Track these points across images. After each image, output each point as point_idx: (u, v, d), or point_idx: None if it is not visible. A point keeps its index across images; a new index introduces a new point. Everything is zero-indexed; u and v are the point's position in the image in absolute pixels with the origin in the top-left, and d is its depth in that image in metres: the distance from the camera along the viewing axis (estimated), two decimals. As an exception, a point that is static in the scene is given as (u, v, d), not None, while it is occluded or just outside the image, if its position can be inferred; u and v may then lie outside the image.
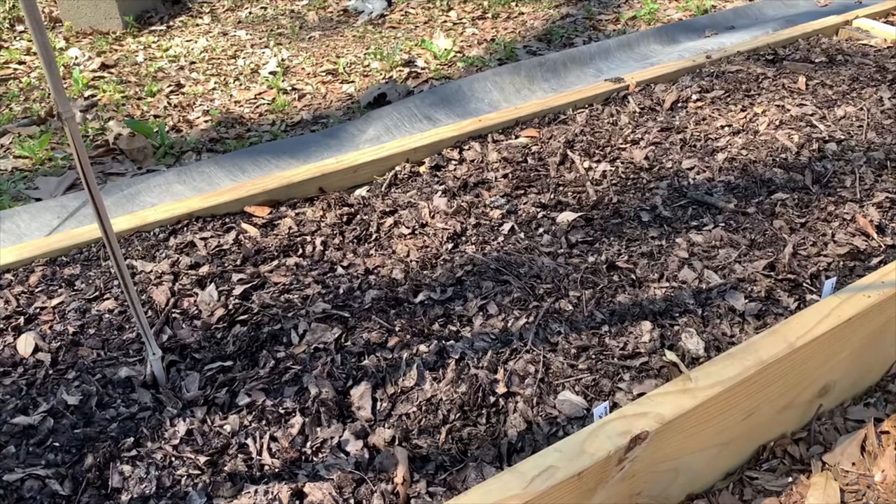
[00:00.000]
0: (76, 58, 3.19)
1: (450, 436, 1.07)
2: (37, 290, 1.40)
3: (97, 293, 1.38)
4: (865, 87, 2.12)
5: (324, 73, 3.01)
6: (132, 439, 1.06)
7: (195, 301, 1.35)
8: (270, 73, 3.00)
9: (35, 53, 3.17)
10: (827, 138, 1.85)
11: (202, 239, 1.53)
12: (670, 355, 1.17)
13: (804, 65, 2.28)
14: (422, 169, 1.82)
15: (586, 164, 1.79)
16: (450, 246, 1.50)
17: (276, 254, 1.49)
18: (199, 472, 1.01)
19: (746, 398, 1.09)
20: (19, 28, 3.52)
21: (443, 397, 1.12)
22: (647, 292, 1.34)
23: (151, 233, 1.56)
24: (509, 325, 1.26)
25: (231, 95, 2.83)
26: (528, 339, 1.23)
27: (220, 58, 3.21)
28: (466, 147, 1.90)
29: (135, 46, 3.34)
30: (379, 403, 1.13)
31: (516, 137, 1.95)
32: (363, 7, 3.71)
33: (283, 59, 3.14)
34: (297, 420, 1.08)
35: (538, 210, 1.61)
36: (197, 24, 3.64)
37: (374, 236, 1.56)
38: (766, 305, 1.31)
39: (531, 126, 2.00)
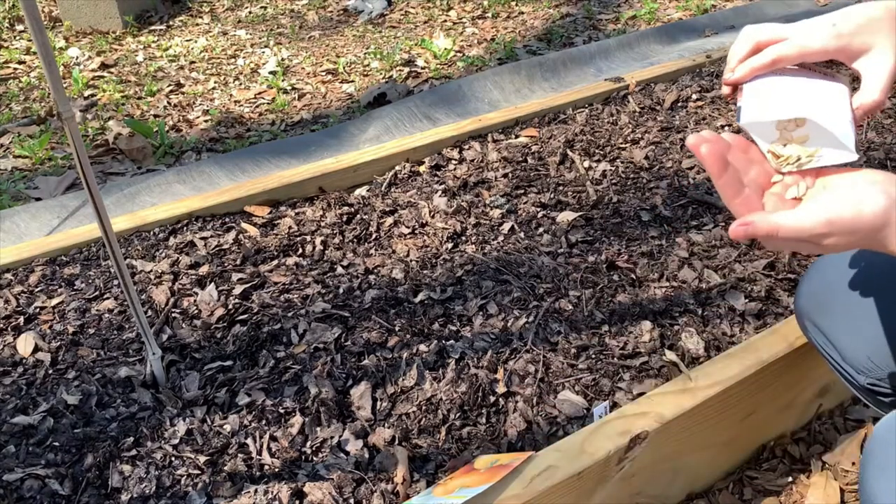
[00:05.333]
0: (76, 57, 3.19)
1: (450, 435, 1.07)
2: (36, 289, 1.40)
3: (97, 293, 1.38)
4: (865, 87, 2.12)
5: (324, 73, 3.01)
6: (132, 439, 1.06)
7: (195, 301, 1.35)
8: (270, 72, 3.00)
9: (35, 53, 3.16)
10: (827, 138, 1.85)
11: (202, 238, 1.53)
12: (670, 355, 1.17)
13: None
14: (422, 168, 1.82)
15: (586, 164, 1.79)
16: (450, 245, 1.50)
17: (275, 253, 1.49)
18: (199, 472, 1.01)
19: (746, 398, 1.09)
20: (19, 28, 3.52)
21: (443, 397, 1.12)
22: (647, 292, 1.34)
23: (151, 232, 1.56)
24: (509, 324, 1.26)
25: (231, 95, 2.83)
26: (528, 338, 1.23)
27: (220, 57, 3.21)
28: (466, 147, 1.90)
29: (135, 46, 3.34)
30: (379, 403, 1.13)
31: (516, 137, 1.95)
32: (363, 7, 3.71)
33: (282, 59, 3.14)
34: (297, 420, 1.08)
35: (538, 210, 1.61)
36: (197, 24, 3.64)
37: (373, 236, 1.56)
38: (766, 305, 1.31)
39: (531, 125, 2.00)
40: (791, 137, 0.70)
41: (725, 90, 0.77)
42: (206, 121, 2.62)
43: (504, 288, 1.35)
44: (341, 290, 1.36)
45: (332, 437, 1.06)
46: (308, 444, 1.06)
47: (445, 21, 3.55)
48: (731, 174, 0.67)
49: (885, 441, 0.70)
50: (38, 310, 1.34)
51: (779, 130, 0.70)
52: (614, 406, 1.11)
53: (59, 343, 1.26)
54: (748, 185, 0.69)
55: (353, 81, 2.90)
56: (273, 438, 1.06)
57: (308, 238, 1.54)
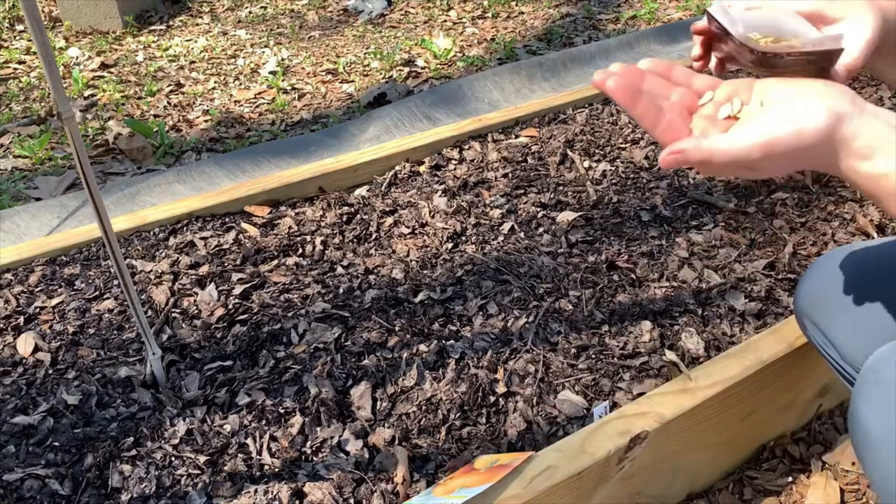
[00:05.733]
0: (76, 57, 3.19)
1: (449, 435, 1.07)
2: (36, 289, 1.40)
3: (97, 293, 1.38)
4: (865, 87, 2.12)
5: (324, 73, 3.01)
6: (132, 439, 1.06)
7: (195, 301, 1.35)
8: (270, 72, 3.00)
9: (35, 53, 3.16)
10: (827, 138, 1.85)
11: (202, 238, 1.53)
12: (670, 355, 1.17)
13: (804, 64, 2.27)
14: (422, 168, 1.82)
15: (586, 164, 1.79)
16: (450, 245, 1.50)
17: (275, 253, 1.49)
18: (199, 472, 1.01)
19: (746, 398, 1.09)
20: (19, 28, 3.52)
21: (443, 397, 1.12)
22: (647, 292, 1.34)
23: (151, 232, 1.56)
24: (509, 324, 1.26)
25: (231, 95, 2.83)
26: (528, 338, 1.23)
27: (220, 57, 3.21)
28: (466, 147, 1.90)
29: (134, 46, 3.34)
30: (379, 403, 1.13)
31: (516, 137, 1.95)
32: (363, 7, 3.71)
33: (282, 59, 3.14)
34: (297, 420, 1.08)
35: (538, 209, 1.61)
36: (197, 24, 3.64)
37: (373, 236, 1.56)
38: (766, 305, 1.31)
39: (531, 125, 2.00)
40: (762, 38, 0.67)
41: (696, 51, 0.75)
42: (206, 121, 2.62)
43: (504, 288, 1.35)
44: (341, 290, 1.36)
45: (332, 437, 1.06)
46: (308, 444, 1.06)
47: (445, 21, 3.55)
48: (646, 102, 0.63)
49: (873, 373, 0.70)
50: (38, 310, 1.34)
51: (750, 35, 0.66)
52: (614, 406, 1.11)
53: (59, 343, 1.26)
54: (670, 111, 0.64)
55: (353, 81, 2.90)
56: (273, 438, 1.06)
57: (308, 238, 1.54)
